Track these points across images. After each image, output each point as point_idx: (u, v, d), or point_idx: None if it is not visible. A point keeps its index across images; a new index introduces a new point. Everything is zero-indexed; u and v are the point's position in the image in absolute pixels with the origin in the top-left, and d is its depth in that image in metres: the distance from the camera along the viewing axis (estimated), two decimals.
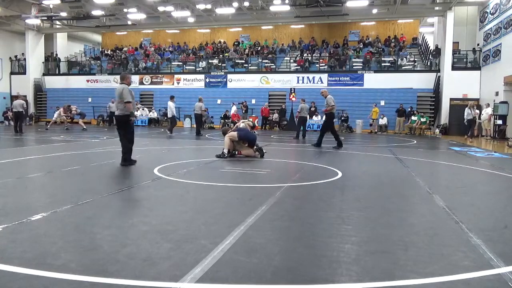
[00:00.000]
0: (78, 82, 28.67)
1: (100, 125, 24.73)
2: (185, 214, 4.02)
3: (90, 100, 27.13)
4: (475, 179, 7.17)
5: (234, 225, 3.49)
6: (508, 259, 2.80)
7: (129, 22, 27.44)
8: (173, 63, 28.70)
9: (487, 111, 18.68)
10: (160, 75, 27.55)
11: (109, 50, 32.30)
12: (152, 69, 28.57)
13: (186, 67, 28.02)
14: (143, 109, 24.80)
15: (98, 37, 34.64)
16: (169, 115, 16.94)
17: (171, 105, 16.57)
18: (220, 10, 24.42)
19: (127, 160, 7.27)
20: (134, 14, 25.40)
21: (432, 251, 3.07)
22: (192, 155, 9.89)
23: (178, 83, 26.95)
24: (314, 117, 22.64)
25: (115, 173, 6.60)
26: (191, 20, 26.49)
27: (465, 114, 17.85)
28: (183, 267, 2.57)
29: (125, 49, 31.93)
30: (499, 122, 17.93)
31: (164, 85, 27.23)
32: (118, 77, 27.98)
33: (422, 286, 2.40)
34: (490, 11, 19.99)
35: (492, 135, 18.33)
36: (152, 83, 27.46)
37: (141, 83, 27.48)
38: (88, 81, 28.58)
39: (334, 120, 21.29)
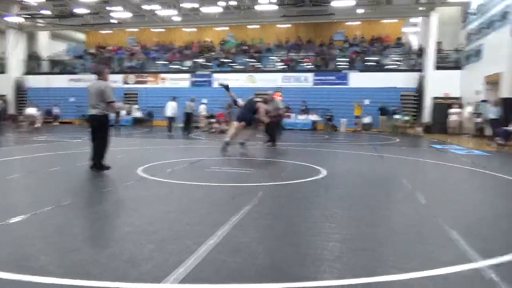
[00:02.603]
0: (61, 81, 28.15)
1: (83, 125, 24.37)
2: (169, 214, 4.00)
3: (73, 99, 26.68)
4: (455, 176, 7.31)
5: (218, 225, 3.48)
6: (485, 254, 2.87)
7: (114, 21, 27.11)
8: (158, 62, 28.45)
9: (468, 110, 19.06)
10: (145, 74, 27.28)
11: (93, 49, 31.85)
12: (137, 68, 28.28)
13: (172, 66, 27.81)
14: (129, 107, 24.53)
15: (82, 36, 34.09)
16: (169, 115, 16.87)
17: (174, 105, 16.65)
18: (207, 9, 24.31)
19: (98, 165, 6.40)
20: (119, 13, 25.08)
21: (413, 247, 3.13)
22: (178, 154, 9.83)
23: (163, 82, 26.74)
24: (299, 116, 22.75)
25: (97, 174, 6.50)
26: (177, 19, 26.31)
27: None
28: (166, 267, 2.56)
29: (109, 48, 31.53)
30: (480, 120, 18.30)
31: (148, 84, 26.97)
32: None
33: (402, 281, 2.44)
34: (472, 12, 20.37)
35: (472, 133, 18.72)
36: (136, 82, 27.17)
37: (125, 82, 27.16)
38: (71, 80, 28.11)
39: (320, 118, 21.35)
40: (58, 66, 29.66)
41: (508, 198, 5.42)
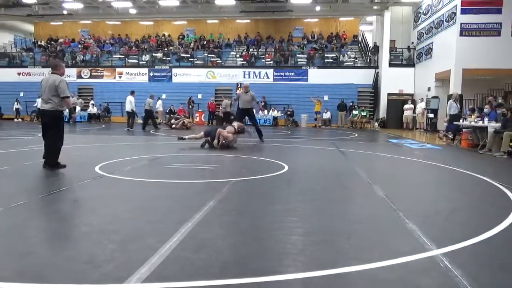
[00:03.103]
0: (8, 75, 26.47)
1: (34, 121, 23.13)
2: (129, 213, 3.89)
3: (22, 94, 25.23)
4: (410, 169, 7.66)
5: (181, 222, 3.43)
6: (439, 242, 3.03)
7: (65, 12, 25.85)
8: (114, 56, 27.50)
9: (421, 106, 20.02)
10: (100, 69, 26.29)
11: (43, 41, 30.23)
12: (91, 62, 27.18)
13: (129, 61, 26.98)
14: (81, 102, 23.60)
15: (30, 27, 32.22)
16: (128, 110, 16.76)
17: (131, 99, 16.50)
18: (164, 2, 23.79)
19: (52, 163, 6.15)
20: (70, 3, 23.95)
21: (373, 238, 3.24)
22: (137, 151, 9.57)
23: (120, 77, 25.89)
24: (261, 111, 22.86)
25: (52, 173, 6.19)
26: (132, 11, 25.53)
27: (448, 107, 14.13)
28: (128, 267, 2.49)
29: (61, 40, 30.05)
30: (431, 115, 19.30)
31: (104, 78, 26.02)
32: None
33: (363, 271, 2.52)
34: (423, 12, 21.35)
35: (425, 128, 19.70)
36: (91, 76, 26.12)
37: (79, 76, 26.02)
38: (19, 74, 26.54)
39: (281, 114, 21.52)
40: (4, 59, 27.89)
41: (459, 189, 5.75)
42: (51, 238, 3.05)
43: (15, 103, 24.16)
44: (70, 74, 26.09)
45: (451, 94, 14.88)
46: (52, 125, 6.17)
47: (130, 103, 16.62)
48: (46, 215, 3.79)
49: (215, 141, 9.56)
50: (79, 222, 3.52)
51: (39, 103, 6.33)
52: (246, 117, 12.14)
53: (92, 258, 2.65)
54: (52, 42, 29.91)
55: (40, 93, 6.28)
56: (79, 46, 29.07)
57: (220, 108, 20.34)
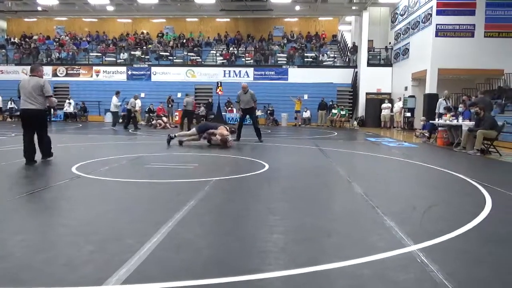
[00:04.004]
0: None
1: (7, 121, 22.44)
2: (108, 213, 3.82)
3: None
4: (388, 167, 7.80)
5: (161, 222, 3.39)
6: (416, 238, 3.10)
7: (39, 8, 25.16)
8: (91, 54, 26.95)
9: (398, 105, 20.42)
10: (76, 67, 25.72)
11: (16, 38, 29.33)
12: (67, 60, 26.54)
13: (106, 59, 26.48)
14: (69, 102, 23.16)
15: (2, 23, 31.22)
16: (113, 109, 17.36)
17: (114, 100, 17.07)
18: (142, 0, 23.45)
19: (49, 154, 6.96)
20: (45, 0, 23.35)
21: (352, 235, 3.29)
22: (115, 151, 9.41)
23: (97, 75, 25.39)
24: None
25: (27, 173, 6.03)
26: (110, 8, 25.08)
27: (437, 106, 14.04)
28: (107, 269, 2.45)
29: (35, 37, 29.22)
30: (408, 114, 19.72)
31: (81, 77, 25.47)
32: (27, 68, 25.57)
33: (343, 268, 2.56)
34: (400, 13, 21.77)
35: (402, 127, 20.11)
36: (67, 75, 25.51)
37: (54, 74, 25.37)
38: None
39: (262, 113, 21.53)
40: None
41: (435, 186, 5.90)
42: (27, 240, 2.97)
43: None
44: (45, 72, 25.35)
45: (429, 93, 15.10)
46: (40, 123, 6.72)
47: (113, 103, 17.24)
48: (21, 216, 3.68)
49: (215, 138, 9.80)
50: (56, 223, 3.44)
51: (22, 104, 6.64)
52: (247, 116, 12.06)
53: (70, 260, 2.60)
54: (26, 39, 29.06)
55: (19, 94, 6.64)
56: (55, 43, 28.35)
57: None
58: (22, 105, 6.64)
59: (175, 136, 10.41)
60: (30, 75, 6.78)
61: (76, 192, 4.77)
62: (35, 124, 6.66)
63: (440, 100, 13.79)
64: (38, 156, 6.77)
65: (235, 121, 21.37)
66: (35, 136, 6.74)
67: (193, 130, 10.34)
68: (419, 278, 2.46)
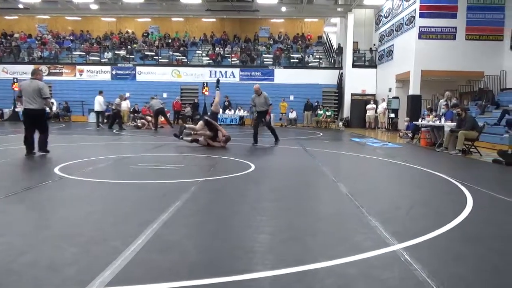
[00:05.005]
0: None
1: None
2: (91, 215, 3.76)
3: None
4: (372, 167, 7.89)
5: (146, 224, 3.36)
6: (400, 237, 3.15)
7: (21, 6, 24.64)
8: (74, 52, 26.52)
9: (382, 106, 20.68)
10: (59, 66, 25.28)
11: None
12: (49, 59, 26.06)
13: (90, 58, 26.10)
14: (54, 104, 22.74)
15: None
16: (98, 109, 17.63)
17: (100, 99, 17.38)
18: None
19: (45, 150, 7.82)
20: None
21: (338, 234, 3.32)
22: (100, 151, 9.28)
23: (80, 74, 25.02)
24: (227, 111, 22.83)
25: (8, 174, 5.90)
26: (94, 7, 24.73)
27: (438, 107, 13.63)
28: (91, 271, 2.41)
29: (16, 35, 28.61)
30: (392, 115, 20.00)
31: (64, 76, 25.06)
32: (8, 66, 25.01)
33: (329, 268, 2.58)
34: (384, 15, 22.06)
35: (386, 127, 20.38)
36: (50, 74, 25.01)
37: None
38: None
39: (248, 114, 21.53)
40: None
41: (418, 185, 5.99)
42: (8, 242, 2.90)
43: None
44: (27, 71, 24.88)
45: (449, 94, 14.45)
46: (40, 121, 7.77)
47: (98, 103, 17.40)
48: (3, 218, 3.60)
49: (201, 139, 10.00)
50: (38, 225, 3.37)
51: (24, 104, 7.67)
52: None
53: (53, 262, 2.55)
54: (7, 37, 28.43)
55: (20, 94, 7.66)
56: (36, 42, 27.82)
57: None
58: (24, 105, 7.72)
59: (181, 138, 10.40)
60: (31, 78, 7.76)
61: (59, 193, 4.68)
62: (35, 121, 7.70)
63: (441, 101, 13.74)
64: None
65: (221, 122, 21.36)
66: (36, 132, 7.75)
67: (201, 123, 10.30)
68: (403, 276, 2.49)
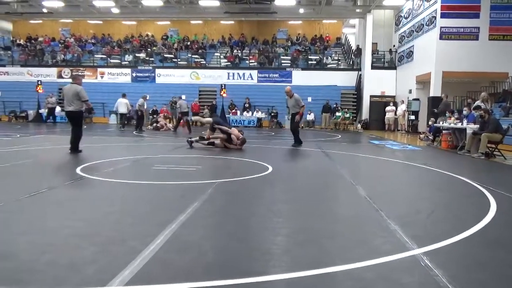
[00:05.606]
0: None
1: (12, 122, 22.59)
2: (111, 215, 3.83)
3: None
4: (392, 170, 7.77)
5: (164, 224, 3.39)
6: (420, 242, 3.08)
7: (45, 10, 25.33)
8: (96, 55, 27.08)
9: (402, 107, 20.36)
10: (81, 68, 25.84)
11: (22, 40, 29.54)
12: (72, 61, 26.69)
13: (111, 61, 26.61)
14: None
15: (8, 25, 31.47)
16: (123, 111, 18.07)
17: (122, 101, 17.77)
18: (147, 2, 23.58)
19: (76, 148, 8.37)
20: (50, 2, 23.51)
21: (356, 237, 3.28)
22: (120, 152, 9.44)
23: (102, 77, 25.52)
24: (245, 113, 22.91)
25: (31, 174, 6.07)
26: (115, 10, 25.20)
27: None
28: (110, 270, 2.45)
29: (40, 39, 29.42)
30: (412, 117, 19.66)
31: (86, 79, 25.49)
32: (32, 69, 25.67)
33: (347, 271, 2.55)
34: (404, 15, 21.73)
35: (406, 129, 20.05)
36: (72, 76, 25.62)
37: (59, 76, 25.51)
38: None
39: (265, 116, 21.51)
40: None
41: (439, 189, 5.87)
42: (31, 241, 2.98)
43: None
44: (50, 73, 25.64)
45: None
46: (76, 121, 8.55)
47: (125, 105, 17.84)
48: (25, 217, 3.70)
49: (217, 142, 10.04)
50: (60, 225, 3.44)
51: (65, 106, 8.71)
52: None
53: (73, 261, 2.60)
54: (32, 40, 29.27)
55: (62, 98, 8.14)
56: (60, 45, 28.53)
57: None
58: (65, 107, 8.68)
59: (191, 143, 10.26)
60: (71, 83, 8.61)
61: (80, 193, 4.78)
62: (72, 121, 8.55)
63: (477, 102, 13.22)
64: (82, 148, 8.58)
65: (239, 124, 21.44)
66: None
67: (209, 119, 10.52)
68: (423, 281, 2.44)
